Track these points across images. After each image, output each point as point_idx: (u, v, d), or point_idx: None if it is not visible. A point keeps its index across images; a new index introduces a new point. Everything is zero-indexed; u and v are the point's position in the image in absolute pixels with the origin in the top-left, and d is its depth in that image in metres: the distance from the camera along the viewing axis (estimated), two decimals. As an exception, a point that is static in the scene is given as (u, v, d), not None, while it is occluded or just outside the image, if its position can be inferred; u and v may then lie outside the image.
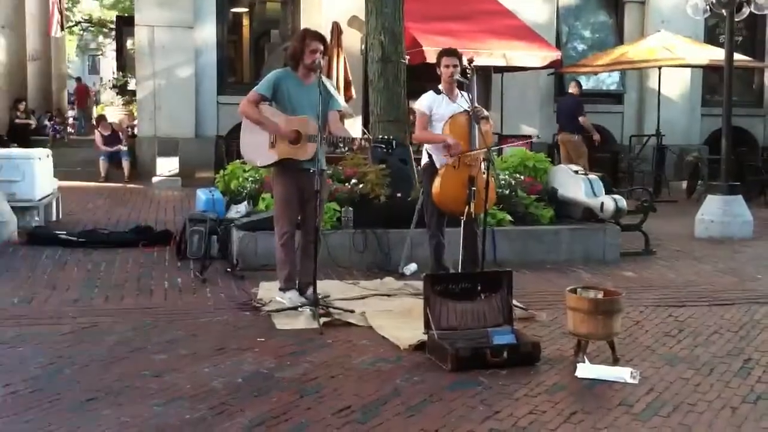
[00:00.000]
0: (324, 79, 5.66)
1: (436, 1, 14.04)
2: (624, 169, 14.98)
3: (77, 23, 35.49)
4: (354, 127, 12.88)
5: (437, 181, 6.09)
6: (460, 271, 6.03)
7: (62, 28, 20.73)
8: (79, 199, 11.80)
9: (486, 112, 6.19)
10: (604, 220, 8.06)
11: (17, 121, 16.63)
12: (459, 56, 6.19)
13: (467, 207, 5.87)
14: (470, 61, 6.25)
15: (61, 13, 18.84)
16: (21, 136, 15.81)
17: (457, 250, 6.10)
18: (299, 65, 5.70)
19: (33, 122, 17.19)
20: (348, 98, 12.98)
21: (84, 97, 24.35)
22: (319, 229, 5.89)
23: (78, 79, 26.15)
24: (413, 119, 6.81)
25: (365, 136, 5.74)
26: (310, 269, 5.64)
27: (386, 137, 5.86)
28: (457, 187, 5.97)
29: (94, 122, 15.99)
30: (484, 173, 5.91)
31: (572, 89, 13.97)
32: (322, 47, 5.68)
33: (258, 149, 5.70)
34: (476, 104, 6.04)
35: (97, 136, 15.22)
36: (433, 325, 4.72)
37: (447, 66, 6.14)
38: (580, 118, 13.43)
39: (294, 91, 5.66)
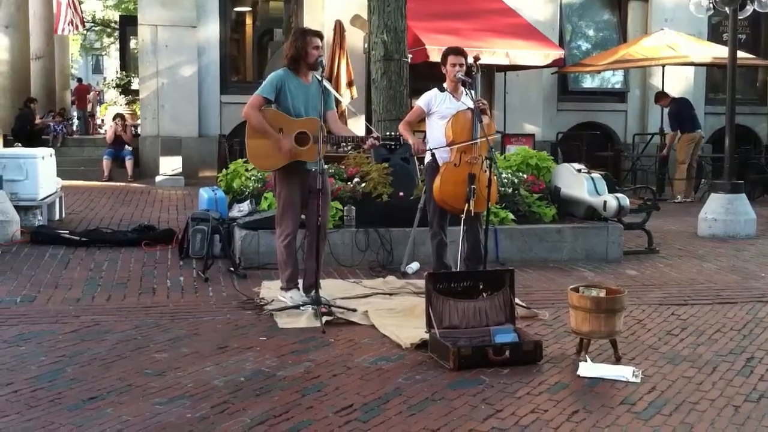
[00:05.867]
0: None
1: (438, -1, 14.03)
2: (627, 168, 14.96)
3: (81, 23, 35.49)
4: (357, 126, 12.87)
5: (438, 179, 6.06)
6: (459, 268, 6.02)
7: (84, 26, 20.69)
8: (82, 198, 11.83)
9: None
10: (607, 218, 8.05)
11: (37, 122, 16.45)
12: (465, 55, 6.14)
13: (467, 205, 5.86)
14: (476, 58, 6.23)
15: (75, 11, 18.65)
16: (32, 136, 15.54)
17: (459, 249, 6.09)
18: (300, 65, 5.66)
19: (48, 122, 17.06)
20: (350, 98, 12.96)
21: (84, 97, 24.35)
22: (324, 228, 5.85)
23: (79, 80, 26.13)
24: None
25: (374, 134, 5.70)
26: (313, 269, 5.64)
27: (393, 134, 5.86)
28: (457, 185, 5.96)
29: (110, 119, 15.84)
30: (485, 171, 5.90)
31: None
32: (321, 43, 5.68)
33: (266, 153, 5.62)
34: (480, 97, 6.03)
35: (109, 132, 15.18)
36: (435, 323, 4.72)
37: (453, 65, 6.08)
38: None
39: (296, 92, 5.62)
